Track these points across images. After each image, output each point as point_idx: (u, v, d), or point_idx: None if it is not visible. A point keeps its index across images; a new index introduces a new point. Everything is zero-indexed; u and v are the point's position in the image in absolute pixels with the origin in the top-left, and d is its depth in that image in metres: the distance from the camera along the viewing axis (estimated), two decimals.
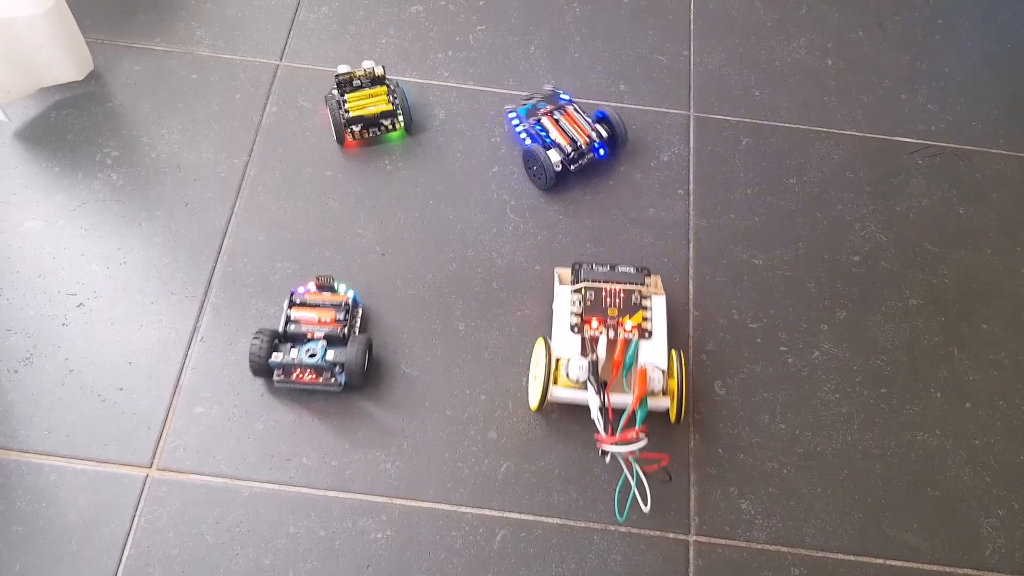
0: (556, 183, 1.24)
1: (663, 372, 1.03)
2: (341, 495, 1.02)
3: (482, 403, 1.10)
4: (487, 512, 1.02)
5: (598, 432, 1.00)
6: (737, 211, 1.27)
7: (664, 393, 1.04)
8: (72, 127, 1.28)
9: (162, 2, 1.41)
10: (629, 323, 1.06)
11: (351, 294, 1.13)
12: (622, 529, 1.02)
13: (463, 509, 1.02)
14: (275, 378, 1.07)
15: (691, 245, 1.23)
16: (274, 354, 1.07)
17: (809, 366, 1.15)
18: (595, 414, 1.00)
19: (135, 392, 1.07)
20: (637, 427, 0.98)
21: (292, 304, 1.11)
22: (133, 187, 1.23)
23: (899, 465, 1.08)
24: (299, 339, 1.09)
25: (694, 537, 1.02)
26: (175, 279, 1.16)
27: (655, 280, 1.13)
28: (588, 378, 1.01)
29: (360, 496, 1.02)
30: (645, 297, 1.08)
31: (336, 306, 1.11)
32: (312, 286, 1.13)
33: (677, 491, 1.05)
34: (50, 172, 1.24)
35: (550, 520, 1.02)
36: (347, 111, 1.26)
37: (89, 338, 1.11)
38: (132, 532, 0.99)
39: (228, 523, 0.99)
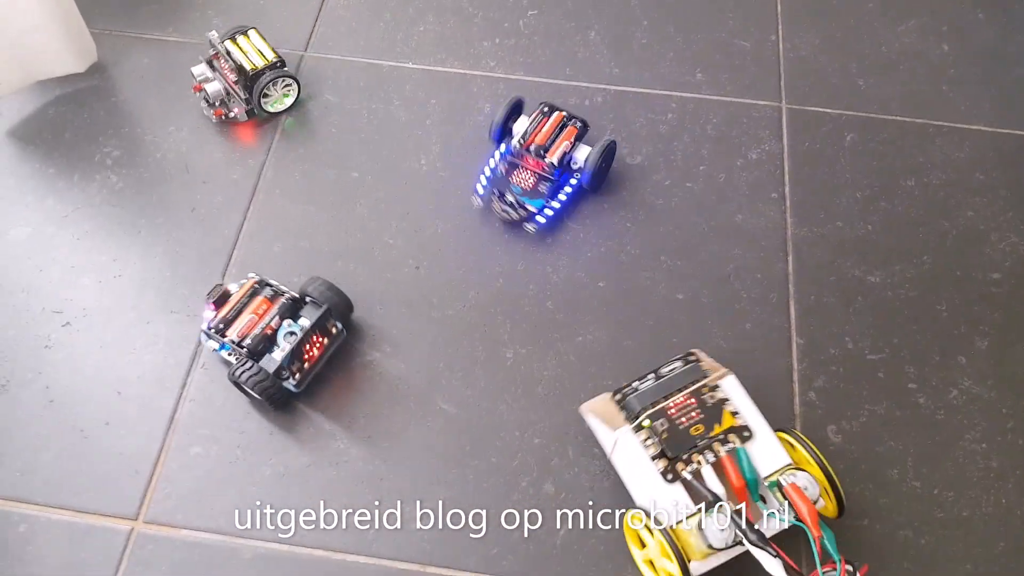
0: (602, 188, 1.10)
1: (809, 475, 0.81)
2: (362, 559, 0.88)
3: (536, 448, 0.94)
4: None
5: None
6: (845, 218, 1.10)
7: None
8: (71, 124, 1.16)
9: None
10: (721, 433, 0.84)
11: None
12: None
13: None
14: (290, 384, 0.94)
15: (790, 258, 1.06)
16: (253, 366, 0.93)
17: (946, 408, 0.96)
18: None
19: (123, 428, 0.96)
20: (838, 563, 0.75)
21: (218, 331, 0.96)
22: (134, 190, 1.11)
23: None
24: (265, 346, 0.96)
25: None
26: (176, 295, 1.04)
27: (707, 360, 0.90)
28: (746, 538, 0.77)
29: (386, 562, 0.88)
30: (715, 388, 0.86)
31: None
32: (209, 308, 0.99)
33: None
34: (43, 174, 1.12)
35: None
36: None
37: (74, 364, 0.99)
38: None
39: None
